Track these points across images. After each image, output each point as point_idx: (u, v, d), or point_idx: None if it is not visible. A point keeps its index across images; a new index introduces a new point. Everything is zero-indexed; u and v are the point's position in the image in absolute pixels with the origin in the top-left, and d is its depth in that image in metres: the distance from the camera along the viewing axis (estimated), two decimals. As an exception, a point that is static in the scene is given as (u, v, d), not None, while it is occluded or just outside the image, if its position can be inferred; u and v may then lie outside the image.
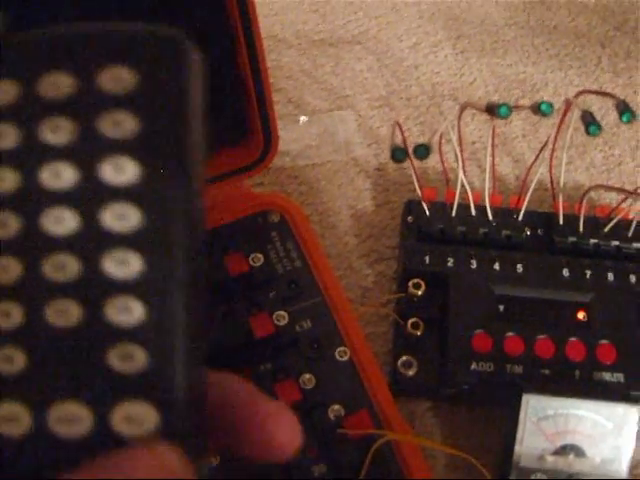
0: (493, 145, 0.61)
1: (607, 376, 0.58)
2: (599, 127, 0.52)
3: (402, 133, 0.55)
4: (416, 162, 0.70)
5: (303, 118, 0.73)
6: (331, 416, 0.54)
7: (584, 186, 0.71)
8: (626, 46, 0.81)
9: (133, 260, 0.25)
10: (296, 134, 0.73)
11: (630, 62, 0.80)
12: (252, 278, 0.59)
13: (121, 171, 0.25)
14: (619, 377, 0.58)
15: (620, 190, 0.60)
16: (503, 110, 0.52)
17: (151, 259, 0.25)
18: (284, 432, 0.27)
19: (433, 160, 0.70)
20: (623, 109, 0.50)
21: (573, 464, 0.55)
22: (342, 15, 0.81)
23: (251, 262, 0.59)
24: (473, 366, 0.58)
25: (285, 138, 0.72)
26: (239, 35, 0.54)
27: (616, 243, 0.64)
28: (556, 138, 0.59)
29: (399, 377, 0.59)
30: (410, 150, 0.55)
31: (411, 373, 0.59)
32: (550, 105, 0.53)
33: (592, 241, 0.64)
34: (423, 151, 0.52)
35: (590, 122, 0.52)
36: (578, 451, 0.55)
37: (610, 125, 0.74)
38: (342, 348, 0.57)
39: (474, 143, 0.73)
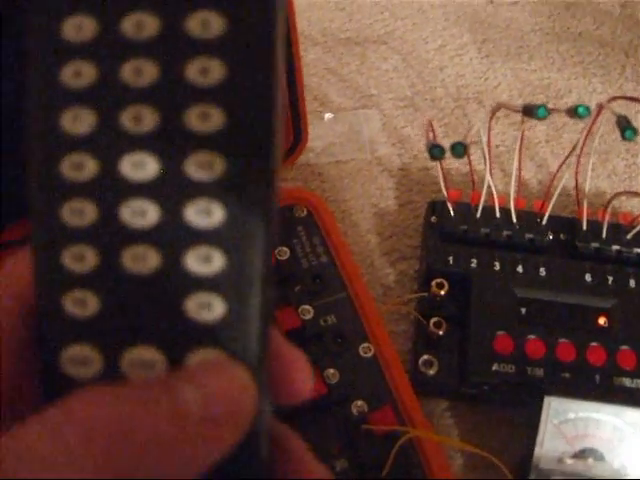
0: (522, 147, 0.61)
1: (627, 382, 0.59)
2: (635, 132, 0.52)
3: (433, 131, 0.56)
4: (449, 161, 0.71)
5: (328, 115, 0.74)
6: (354, 411, 0.54)
7: (605, 193, 0.72)
8: (650, 56, 0.82)
9: (215, 210, 0.24)
10: (321, 131, 0.73)
11: (654, 71, 0.81)
12: (278, 271, 0.59)
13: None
14: (639, 383, 0.59)
15: None
16: (541, 111, 0.53)
17: (233, 210, 0.25)
18: (302, 377, 0.28)
19: (459, 161, 0.71)
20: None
21: (592, 468, 0.56)
22: (368, 15, 0.82)
23: (277, 255, 0.60)
24: (494, 367, 0.58)
25: (310, 134, 0.73)
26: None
27: (638, 250, 0.64)
28: (584, 143, 0.60)
29: (420, 376, 0.60)
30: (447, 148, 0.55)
31: (432, 372, 0.59)
32: (587, 108, 0.53)
33: (615, 247, 0.64)
34: (460, 149, 0.52)
35: (626, 126, 0.52)
36: (597, 455, 0.56)
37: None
38: (366, 344, 0.57)
39: (498, 147, 0.73)
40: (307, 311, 0.57)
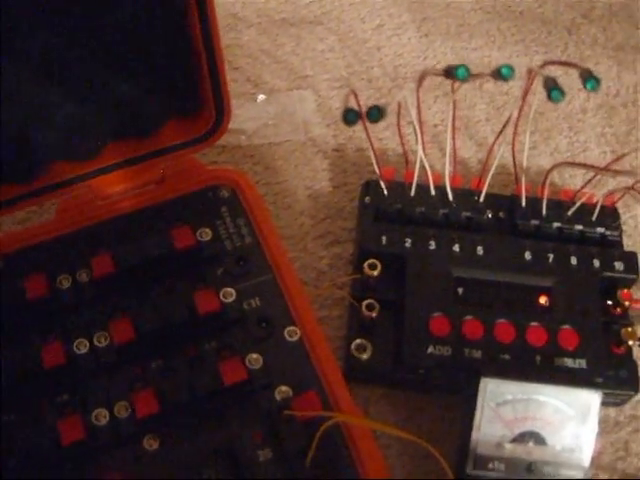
0: (454, 121, 0.58)
1: (569, 362, 0.56)
2: (562, 93, 0.49)
3: (356, 97, 0.52)
4: (386, 141, 0.68)
5: (261, 96, 0.71)
6: (278, 397, 0.51)
7: (567, 160, 0.69)
8: (592, 34, 0.80)
9: None
10: (253, 112, 0.70)
11: (596, 49, 0.78)
12: (199, 253, 0.56)
13: None
14: (581, 363, 0.56)
15: (587, 166, 0.58)
16: (461, 72, 0.50)
17: None
18: None
19: (393, 142, 0.68)
20: (587, 77, 0.48)
21: (532, 452, 0.53)
22: (304, -5, 0.79)
23: (199, 237, 0.56)
24: (430, 350, 0.55)
25: (242, 116, 0.70)
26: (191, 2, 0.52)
27: (580, 227, 0.62)
28: (520, 113, 0.57)
29: (352, 361, 0.57)
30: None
31: (365, 357, 0.56)
32: (510, 68, 0.50)
33: (555, 225, 0.61)
34: (375, 113, 0.50)
35: (553, 87, 0.49)
36: (538, 438, 0.53)
37: (579, 104, 0.73)
38: (292, 327, 0.54)
39: (436, 126, 0.71)
40: (229, 294, 0.54)
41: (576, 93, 0.75)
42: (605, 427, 0.59)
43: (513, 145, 0.60)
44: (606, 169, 0.55)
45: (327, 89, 0.72)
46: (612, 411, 0.60)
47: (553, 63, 0.51)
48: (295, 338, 0.53)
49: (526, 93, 0.54)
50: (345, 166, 0.68)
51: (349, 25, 0.77)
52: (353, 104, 0.53)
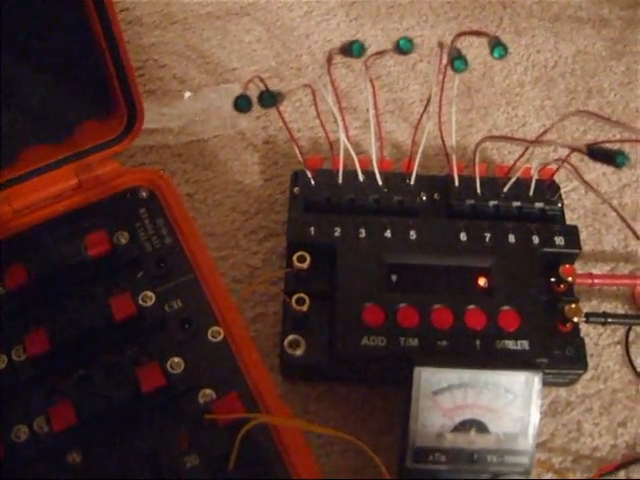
0: (375, 102, 0.56)
1: (510, 344, 0.54)
2: (465, 62, 0.47)
3: (263, 81, 0.50)
4: (316, 130, 0.66)
5: (188, 93, 0.68)
6: (201, 401, 0.49)
7: (486, 149, 0.67)
8: (528, 5, 0.77)
9: None
10: (180, 110, 0.67)
11: (532, 21, 0.76)
12: (116, 258, 0.54)
13: None
14: (524, 344, 0.54)
15: (512, 139, 0.56)
16: (356, 48, 0.48)
17: None
18: None
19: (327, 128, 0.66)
20: (495, 44, 0.45)
21: (475, 441, 0.50)
22: (229, -13, 0.77)
23: (115, 241, 0.54)
24: (364, 341, 0.53)
25: (169, 115, 0.67)
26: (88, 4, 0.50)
27: (517, 204, 0.59)
28: (442, 91, 0.55)
29: (287, 358, 0.54)
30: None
31: (299, 352, 0.54)
32: (409, 41, 0.48)
33: (492, 203, 0.59)
34: (268, 99, 0.47)
35: (455, 57, 0.47)
36: (480, 426, 0.50)
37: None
38: (215, 328, 0.52)
39: (369, 111, 0.68)
40: (148, 297, 0.52)
41: (513, 67, 0.73)
42: (556, 408, 0.57)
43: (439, 124, 0.57)
44: (533, 141, 0.53)
45: (255, 81, 0.70)
46: (563, 391, 0.58)
47: (463, 34, 0.49)
48: (219, 338, 0.51)
49: (442, 68, 0.52)
50: (276, 158, 0.66)
51: (276, 14, 0.75)
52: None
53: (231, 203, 0.64)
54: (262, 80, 0.50)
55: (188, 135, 0.66)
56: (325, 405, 0.56)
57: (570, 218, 0.64)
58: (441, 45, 0.49)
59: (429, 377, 0.50)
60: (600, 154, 0.44)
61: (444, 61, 0.51)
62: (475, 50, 0.73)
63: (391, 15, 0.75)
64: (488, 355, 0.53)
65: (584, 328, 0.59)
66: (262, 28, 0.74)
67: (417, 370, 0.50)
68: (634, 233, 0.48)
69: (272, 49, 0.72)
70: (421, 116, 0.56)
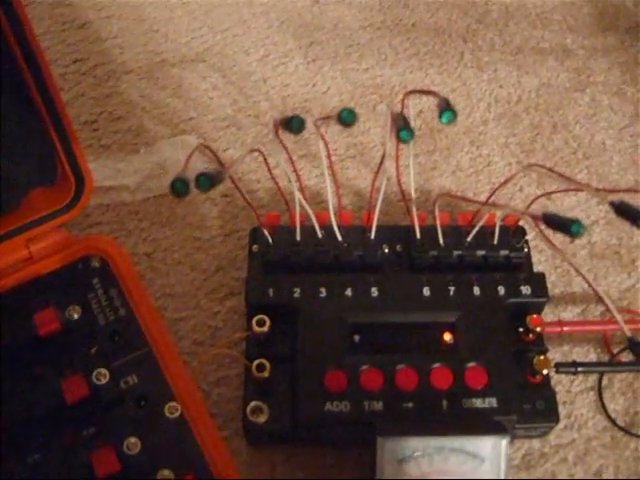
0: (330, 158, 0.54)
1: (478, 402, 0.52)
2: (411, 133, 0.45)
3: (215, 154, 0.48)
4: (267, 183, 0.64)
5: (143, 149, 0.67)
6: (160, 483, 0.47)
7: (451, 191, 0.65)
8: (489, 39, 0.76)
9: None
10: (136, 166, 0.66)
11: (494, 55, 0.74)
12: (68, 335, 0.52)
13: None
14: (492, 402, 0.52)
15: (466, 199, 0.54)
16: (295, 124, 0.46)
17: None
18: None
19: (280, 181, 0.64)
20: (444, 109, 0.44)
21: (445, 508, 0.49)
22: (185, 33, 0.75)
23: (67, 316, 0.52)
24: (327, 407, 0.52)
25: (124, 171, 0.66)
26: (25, 75, 0.48)
27: (482, 252, 0.58)
28: (397, 146, 0.53)
29: (250, 425, 0.53)
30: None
31: (262, 419, 0.52)
32: (351, 112, 0.46)
33: (455, 253, 0.58)
34: (205, 181, 0.45)
35: (401, 127, 0.45)
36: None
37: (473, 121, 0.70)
38: (172, 403, 0.50)
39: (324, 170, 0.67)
40: (102, 375, 0.50)
41: (475, 104, 0.71)
42: (530, 461, 0.55)
43: (397, 176, 0.56)
44: (485, 203, 0.51)
45: (212, 130, 0.68)
46: (536, 442, 0.56)
47: (413, 92, 0.48)
48: (176, 414, 0.50)
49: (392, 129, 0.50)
50: (235, 211, 0.64)
51: (233, 59, 0.73)
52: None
53: (190, 261, 0.62)
54: (209, 148, 0.48)
55: (145, 191, 0.65)
56: (292, 469, 0.54)
57: (538, 260, 0.63)
58: (391, 109, 0.48)
59: (393, 446, 0.49)
60: (555, 223, 0.42)
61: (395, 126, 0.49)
62: (436, 88, 0.71)
63: (350, 55, 0.74)
64: (455, 416, 0.52)
65: (556, 375, 0.57)
66: (218, 74, 0.72)
67: (380, 440, 0.49)
68: (594, 291, 0.47)
69: (229, 96, 0.71)
70: (377, 170, 0.55)
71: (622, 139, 0.71)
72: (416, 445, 0.49)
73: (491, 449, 0.49)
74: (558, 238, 0.64)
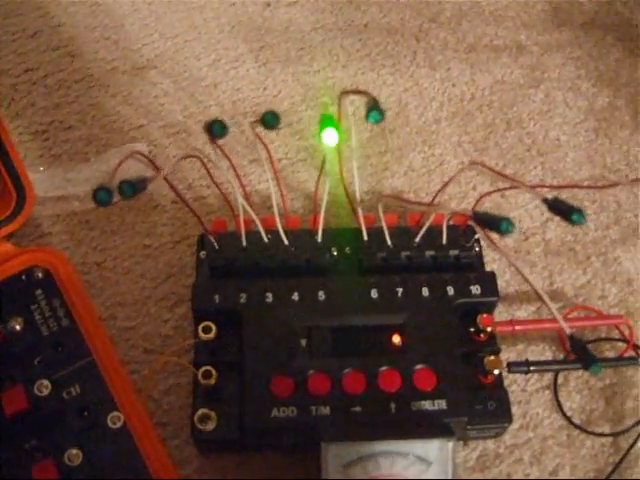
0: (273, 163, 0.54)
1: (427, 405, 0.51)
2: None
3: (150, 160, 0.48)
4: (212, 189, 0.64)
5: (93, 158, 0.66)
6: (101, 496, 0.47)
7: (403, 192, 0.65)
8: (442, 37, 0.75)
9: None
10: (86, 174, 0.65)
11: (447, 54, 0.74)
12: (9, 347, 0.51)
13: None
14: (441, 404, 0.51)
15: (406, 201, 0.53)
16: (216, 128, 0.45)
17: None
18: None
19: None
20: (371, 108, 0.43)
21: (393, 512, 0.49)
22: (136, 40, 0.74)
23: (9, 327, 0.52)
24: (274, 413, 0.51)
25: (74, 180, 0.65)
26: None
27: (431, 253, 0.57)
28: (340, 148, 0.52)
29: (198, 433, 0.52)
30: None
31: (210, 428, 0.52)
32: (274, 114, 0.45)
33: (404, 254, 0.57)
34: (127, 189, 0.44)
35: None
36: (394, 495, 0.49)
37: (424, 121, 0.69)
38: (115, 413, 0.50)
39: (280, 160, 0.66)
40: (44, 387, 0.50)
41: (428, 103, 0.71)
42: (484, 462, 0.55)
43: (342, 178, 0.55)
44: (423, 203, 0.50)
45: (162, 137, 0.68)
46: (491, 443, 0.56)
47: (347, 93, 0.47)
48: (119, 425, 0.49)
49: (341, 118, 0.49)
50: (185, 218, 0.63)
51: (184, 65, 0.73)
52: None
53: (140, 269, 0.62)
54: (143, 154, 0.48)
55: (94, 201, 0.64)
56: (244, 476, 0.54)
57: (492, 258, 0.62)
58: (341, 95, 0.47)
59: (338, 451, 0.48)
60: (485, 221, 0.42)
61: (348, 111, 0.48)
62: (388, 88, 0.71)
63: (301, 58, 0.73)
64: (404, 419, 0.51)
65: (511, 375, 0.57)
66: (169, 81, 0.71)
67: (324, 445, 0.48)
68: (533, 289, 0.46)
69: (179, 102, 0.70)
70: (320, 172, 0.54)
71: (577, 134, 0.70)
72: (361, 449, 0.48)
73: (438, 452, 0.48)
74: (513, 236, 0.64)
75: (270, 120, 0.43)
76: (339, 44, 0.75)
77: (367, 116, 0.43)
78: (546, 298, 0.45)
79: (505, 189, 0.54)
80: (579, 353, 0.45)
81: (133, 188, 0.44)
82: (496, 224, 0.40)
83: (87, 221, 0.64)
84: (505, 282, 0.61)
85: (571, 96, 0.73)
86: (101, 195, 0.43)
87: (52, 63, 0.73)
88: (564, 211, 0.42)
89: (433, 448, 0.48)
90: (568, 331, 0.44)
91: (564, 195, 0.64)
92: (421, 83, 0.72)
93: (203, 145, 0.66)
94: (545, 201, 0.42)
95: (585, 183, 0.57)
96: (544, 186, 0.51)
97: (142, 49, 0.74)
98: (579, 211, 0.42)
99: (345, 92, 0.47)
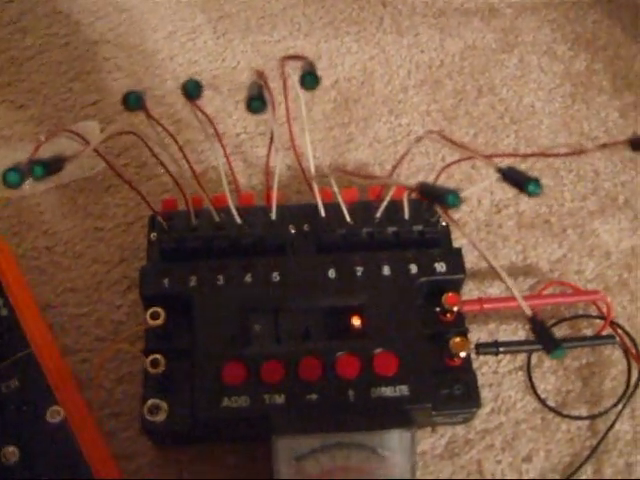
0: (219, 136, 0.51)
1: (388, 391, 0.48)
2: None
3: (79, 136, 0.45)
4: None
5: (42, 137, 0.63)
6: (38, 494, 0.44)
7: (368, 165, 0.62)
8: (410, 2, 0.72)
9: None
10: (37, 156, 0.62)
11: (415, 19, 0.70)
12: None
13: None
14: (402, 390, 0.49)
15: (355, 175, 0.50)
16: (131, 100, 0.42)
17: None
18: None
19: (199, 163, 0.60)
20: (305, 72, 0.39)
21: (351, 506, 0.46)
22: (89, 13, 0.71)
23: (-56, 319, 0.49)
24: (225, 402, 0.48)
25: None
26: None
27: (393, 229, 0.54)
28: (288, 116, 0.49)
29: (148, 425, 0.49)
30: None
31: (160, 419, 0.49)
32: (196, 83, 0.41)
33: (365, 230, 0.54)
34: (38, 169, 0.41)
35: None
36: (353, 489, 0.46)
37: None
38: (55, 407, 0.47)
39: (239, 135, 0.63)
40: (-20, 382, 0.47)
41: (395, 71, 0.67)
42: (454, 449, 0.52)
43: (294, 149, 0.52)
44: (367, 176, 0.47)
45: (115, 114, 0.64)
46: (460, 429, 0.53)
47: (287, 59, 0.43)
48: (58, 419, 0.47)
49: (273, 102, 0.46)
50: (138, 199, 0.60)
51: (139, 38, 0.69)
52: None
53: (93, 253, 0.59)
54: (72, 131, 0.45)
55: (44, 182, 0.61)
56: (200, 469, 0.51)
57: (462, 233, 0.59)
58: (259, 73, 0.43)
59: (289, 443, 0.45)
60: (431, 194, 0.38)
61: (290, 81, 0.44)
62: (353, 57, 0.67)
63: (262, 27, 0.70)
64: (363, 406, 0.48)
65: (481, 356, 0.54)
66: (124, 55, 0.68)
67: (274, 438, 0.45)
68: (491, 266, 0.43)
69: (134, 76, 0.67)
70: (269, 145, 0.51)
71: (552, 100, 0.67)
72: (315, 441, 0.45)
73: (397, 443, 0.46)
74: (484, 209, 0.61)
75: (191, 89, 0.40)
76: (301, 12, 0.71)
77: (301, 82, 0.40)
78: (503, 274, 0.41)
79: (463, 159, 0.51)
80: (540, 336, 0.41)
81: (45, 168, 0.41)
82: (442, 197, 0.37)
83: (38, 204, 0.61)
84: (476, 258, 0.58)
85: (546, 60, 0.69)
86: (10, 177, 0.40)
87: (3, 40, 0.69)
88: (519, 181, 0.38)
89: (391, 439, 0.46)
90: (528, 312, 0.41)
91: (540, 165, 0.62)
92: (388, 50, 0.68)
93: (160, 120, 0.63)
94: (499, 171, 0.39)
95: (555, 151, 0.53)
96: (504, 155, 0.48)
97: (95, 23, 0.71)
98: (535, 181, 0.38)
99: (284, 58, 0.44)
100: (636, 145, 0.42)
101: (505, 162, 0.41)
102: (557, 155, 0.46)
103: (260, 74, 0.42)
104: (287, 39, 0.69)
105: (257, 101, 0.39)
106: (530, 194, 0.38)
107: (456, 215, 0.60)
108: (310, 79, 0.40)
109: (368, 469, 0.45)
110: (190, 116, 0.63)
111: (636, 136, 0.41)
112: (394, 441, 0.45)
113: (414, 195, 0.47)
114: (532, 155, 0.52)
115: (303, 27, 0.70)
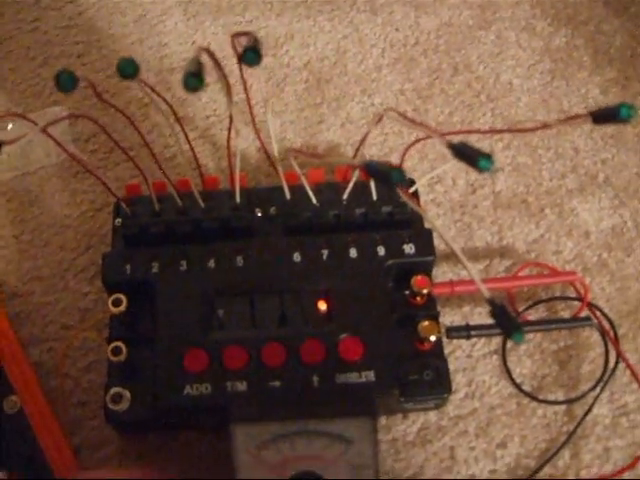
0: (177, 118, 0.49)
1: (353, 377, 0.47)
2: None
3: (25, 117, 0.43)
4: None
5: (11, 125, 0.62)
6: (-7, 487, 0.43)
7: (339, 146, 0.60)
8: (385, -21, 0.70)
9: None
10: (2, 143, 0.61)
11: (390, -4, 0.69)
12: None
13: None
14: (369, 375, 0.47)
15: (313, 155, 0.49)
16: (63, 81, 0.41)
17: None
18: None
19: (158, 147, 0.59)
20: (247, 48, 0.38)
21: (313, 495, 0.45)
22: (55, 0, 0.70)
23: None
24: (187, 390, 0.47)
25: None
26: None
27: (361, 210, 0.53)
28: (248, 98, 0.48)
29: (110, 414, 0.48)
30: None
31: (123, 407, 0.48)
32: (130, 62, 0.40)
33: (332, 213, 0.52)
34: None
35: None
36: (316, 479, 0.44)
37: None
38: (12, 398, 0.46)
39: (209, 117, 0.62)
40: None
41: (368, 50, 0.66)
42: (426, 435, 0.51)
43: (255, 129, 0.51)
44: (320, 155, 0.46)
45: (82, 99, 0.63)
46: (433, 415, 0.51)
47: (237, 35, 0.42)
48: (15, 410, 0.46)
49: (226, 81, 0.44)
50: (107, 184, 0.59)
51: (107, 22, 0.68)
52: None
53: (59, 241, 0.58)
54: (21, 116, 0.44)
55: (11, 170, 0.60)
56: (166, 457, 0.50)
57: (436, 214, 0.58)
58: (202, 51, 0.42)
59: (249, 431, 0.44)
60: (375, 172, 0.37)
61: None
62: (326, 36, 0.66)
63: (233, 8, 0.68)
64: (327, 392, 0.47)
65: (455, 340, 0.52)
66: (93, 38, 0.67)
67: (232, 426, 0.44)
68: (452, 250, 0.41)
69: (102, 61, 0.65)
70: (229, 128, 0.50)
71: (530, 77, 0.65)
72: (275, 428, 0.44)
73: (359, 430, 0.44)
74: (459, 189, 0.59)
75: (124, 68, 0.39)
76: (273, -9, 0.70)
77: (243, 58, 0.38)
78: (461, 256, 0.40)
79: (423, 139, 0.49)
80: (499, 319, 0.40)
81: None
82: (385, 175, 0.35)
83: (4, 192, 0.60)
84: (451, 238, 0.56)
85: (525, 36, 0.67)
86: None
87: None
88: (471, 157, 0.37)
89: (354, 426, 0.44)
90: (486, 294, 0.39)
91: (517, 142, 0.61)
92: (361, 29, 0.67)
93: (125, 105, 0.62)
94: (450, 147, 0.38)
95: (518, 126, 0.52)
96: (460, 132, 0.46)
97: (64, 7, 0.69)
98: (487, 157, 0.37)
99: (235, 34, 0.42)
100: (598, 118, 0.40)
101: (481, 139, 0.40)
102: (520, 131, 0.44)
103: (206, 51, 0.40)
104: (259, 19, 0.68)
105: (193, 78, 0.37)
106: (481, 170, 0.36)
107: (430, 196, 0.58)
108: (251, 56, 0.38)
109: (330, 456, 0.44)
110: (158, 100, 0.62)
111: (597, 109, 0.40)
112: (357, 428, 0.44)
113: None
114: (494, 132, 0.51)
115: (275, 7, 0.69)
